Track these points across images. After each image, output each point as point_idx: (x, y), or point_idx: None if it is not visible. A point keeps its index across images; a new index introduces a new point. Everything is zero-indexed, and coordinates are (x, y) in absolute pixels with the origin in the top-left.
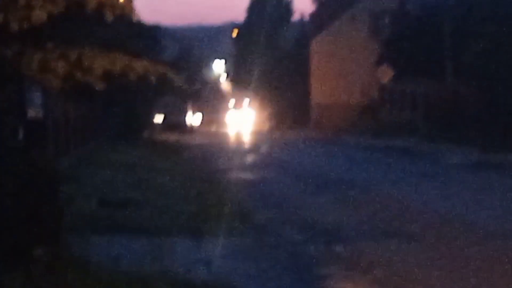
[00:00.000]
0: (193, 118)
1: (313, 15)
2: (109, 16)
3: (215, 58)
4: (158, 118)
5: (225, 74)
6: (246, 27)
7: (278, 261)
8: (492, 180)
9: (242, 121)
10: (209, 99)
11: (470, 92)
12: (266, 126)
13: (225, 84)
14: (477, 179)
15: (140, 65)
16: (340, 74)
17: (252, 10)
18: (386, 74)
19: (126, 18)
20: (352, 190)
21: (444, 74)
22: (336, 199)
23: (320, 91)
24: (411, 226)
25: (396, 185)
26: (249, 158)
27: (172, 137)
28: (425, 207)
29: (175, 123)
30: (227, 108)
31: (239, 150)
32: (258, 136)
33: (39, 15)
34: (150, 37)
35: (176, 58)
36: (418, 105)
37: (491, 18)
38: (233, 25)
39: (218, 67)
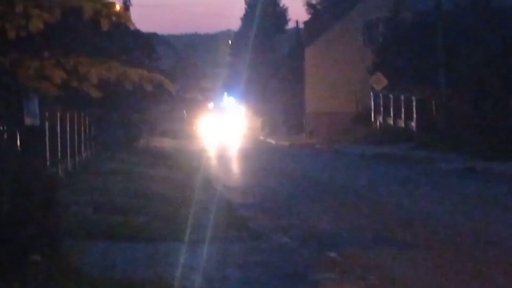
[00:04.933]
0: (189, 125)
1: (307, 23)
2: (105, 25)
3: (211, 66)
4: (155, 126)
5: (222, 82)
6: (241, 35)
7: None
8: (483, 187)
9: (238, 128)
10: (205, 107)
11: (464, 99)
12: (261, 134)
13: (222, 92)
14: (469, 187)
15: (135, 73)
16: (335, 82)
17: (247, 18)
18: (380, 82)
19: (122, 27)
20: (347, 198)
21: (437, 81)
22: (330, 205)
23: (315, 98)
24: (401, 233)
25: (389, 192)
26: (246, 165)
27: (168, 144)
28: (419, 215)
29: (172, 131)
30: (222, 116)
31: (234, 157)
32: (255, 144)
33: (36, 23)
34: (146, 45)
35: (172, 66)
36: (412, 113)
37: (485, 26)
38: (229, 33)
39: (215, 75)
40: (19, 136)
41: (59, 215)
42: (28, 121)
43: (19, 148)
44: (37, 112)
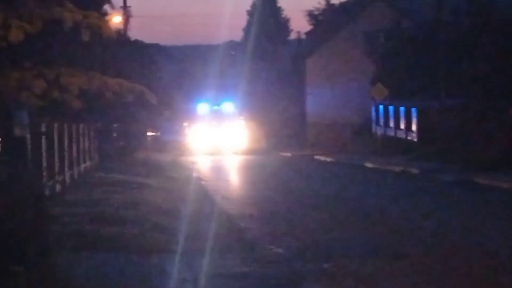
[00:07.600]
0: (189, 137)
1: (309, 34)
2: (86, 35)
3: (213, 77)
4: (154, 137)
5: (223, 93)
6: (243, 46)
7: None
8: (484, 200)
9: (238, 139)
10: (203, 116)
11: (464, 110)
12: (261, 144)
13: (223, 102)
14: (469, 199)
15: (116, 83)
16: (336, 92)
17: (249, 29)
18: (380, 92)
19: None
20: (344, 209)
21: (438, 92)
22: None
23: (316, 109)
24: (395, 244)
25: (386, 204)
26: (245, 176)
27: (168, 155)
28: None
29: (171, 142)
30: (223, 126)
31: (233, 168)
32: (255, 155)
33: (17, 34)
34: (146, 56)
35: (174, 77)
36: (412, 123)
37: (486, 37)
38: (231, 44)
39: (217, 85)
40: (9, 147)
41: (49, 226)
42: (17, 132)
43: (9, 159)
44: (26, 123)
